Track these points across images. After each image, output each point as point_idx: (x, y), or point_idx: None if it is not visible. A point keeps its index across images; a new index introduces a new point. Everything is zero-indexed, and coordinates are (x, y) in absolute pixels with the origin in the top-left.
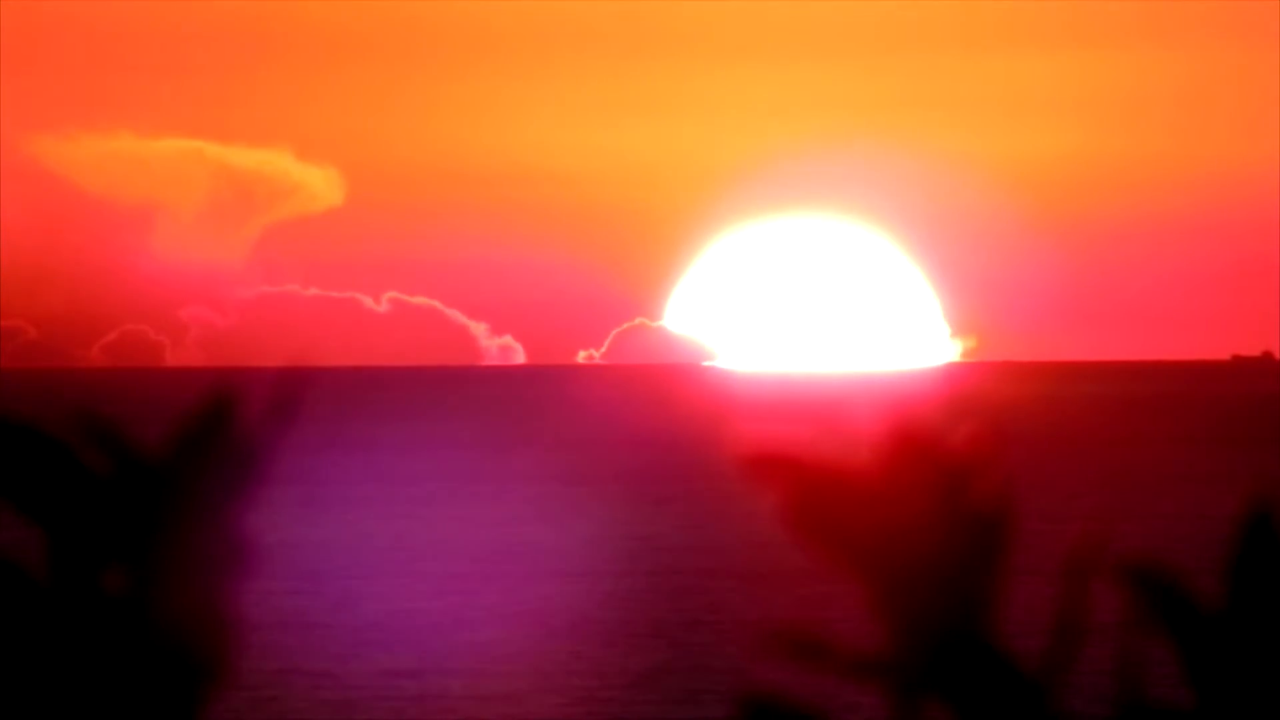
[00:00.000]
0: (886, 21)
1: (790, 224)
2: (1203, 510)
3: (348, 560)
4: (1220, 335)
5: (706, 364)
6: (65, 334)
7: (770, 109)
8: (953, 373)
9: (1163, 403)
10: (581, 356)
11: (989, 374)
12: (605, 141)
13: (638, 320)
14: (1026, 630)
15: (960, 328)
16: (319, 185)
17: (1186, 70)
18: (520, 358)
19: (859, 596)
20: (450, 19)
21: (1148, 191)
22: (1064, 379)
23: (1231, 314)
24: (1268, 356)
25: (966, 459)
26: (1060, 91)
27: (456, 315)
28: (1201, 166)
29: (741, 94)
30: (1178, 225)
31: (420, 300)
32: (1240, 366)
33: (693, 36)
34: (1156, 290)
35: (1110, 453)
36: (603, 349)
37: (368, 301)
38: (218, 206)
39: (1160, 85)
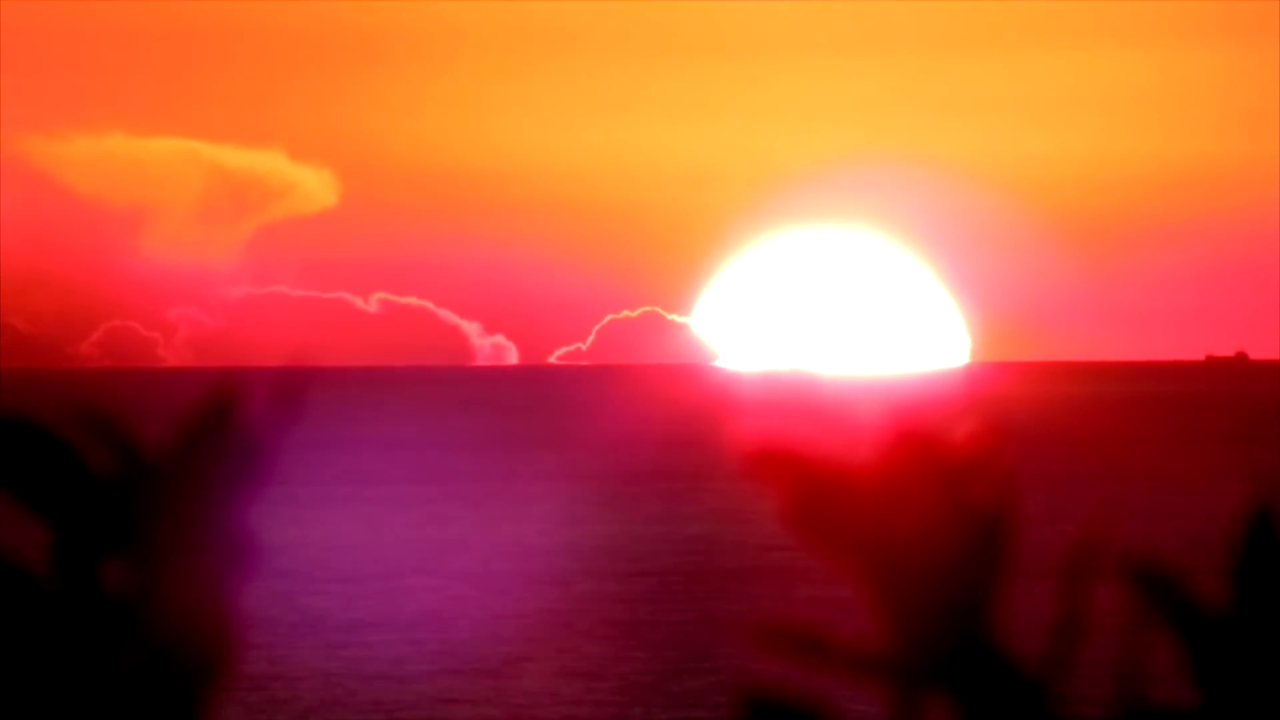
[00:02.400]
0: (883, 22)
1: (805, 236)
2: (1203, 510)
3: (341, 562)
4: (1193, 336)
5: (712, 363)
6: (54, 334)
7: (779, 111)
8: (962, 375)
9: (1157, 402)
10: (556, 356)
11: (994, 376)
12: (597, 141)
13: (623, 313)
14: (1028, 630)
15: (970, 331)
16: (312, 186)
17: (1179, 72)
18: (513, 357)
19: (860, 595)
20: (444, 21)
21: (1133, 192)
22: (1064, 379)
23: (1203, 314)
24: (1241, 357)
25: (968, 457)
26: (1052, 93)
27: (448, 315)
28: (1188, 169)
29: (747, 97)
30: (1158, 226)
31: (411, 300)
32: (1215, 367)
33: (687, 36)
34: (1130, 291)
35: (1110, 452)
36: (588, 342)
37: (358, 302)
38: (210, 207)
39: (1150, 87)
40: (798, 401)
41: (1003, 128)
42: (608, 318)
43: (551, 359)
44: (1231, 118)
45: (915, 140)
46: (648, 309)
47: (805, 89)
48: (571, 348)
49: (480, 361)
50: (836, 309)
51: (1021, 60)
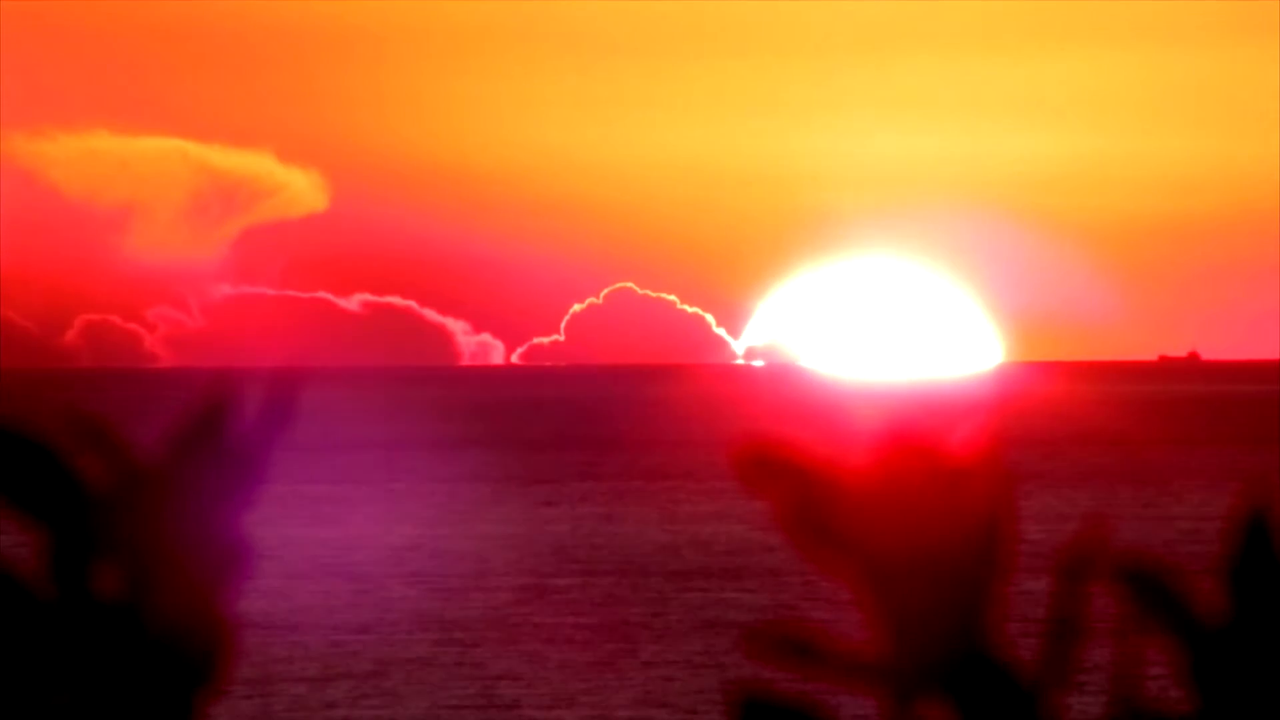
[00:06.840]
0: (870, 23)
1: (822, 240)
2: (1204, 509)
3: (335, 561)
4: (1147, 335)
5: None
6: (38, 331)
7: (777, 111)
8: (992, 377)
9: (1166, 402)
10: (525, 346)
11: (1024, 377)
12: (585, 140)
13: (588, 300)
14: (1025, 632)
15: (1002, 333)
16: (301, 187)
17: (1170, 71)
18: (499, 356)
19: (856, 600)
20: (434, 23)
21: (1142, 193)
22: (1087, 379)
23: (1156, 314)
24: (1193, 357)
25: (965, 461)
26: (1063, 95)
27: (432, 314)
28: (1196, 170)
29: (743, 96)
30: (1159, 227)
31: (394, 299)
32: (1167, 366)
33: (680, 35)
34: (1093, 290)
35: (1110, 452)
36: (561, 333)
37: (340, 302)
38: (197, 207)
39: (1140, 86)
40: (795, 400)
41: (1013, 130)
42: (574, 308)
43: (514, 356)
44: (1235, 118)
45: (928, 145)
46: (621, 285)
47: (806, 89)
48: (550, 339)
49: (467, 361)
50: (867, 316)
51: (1038, 61)
